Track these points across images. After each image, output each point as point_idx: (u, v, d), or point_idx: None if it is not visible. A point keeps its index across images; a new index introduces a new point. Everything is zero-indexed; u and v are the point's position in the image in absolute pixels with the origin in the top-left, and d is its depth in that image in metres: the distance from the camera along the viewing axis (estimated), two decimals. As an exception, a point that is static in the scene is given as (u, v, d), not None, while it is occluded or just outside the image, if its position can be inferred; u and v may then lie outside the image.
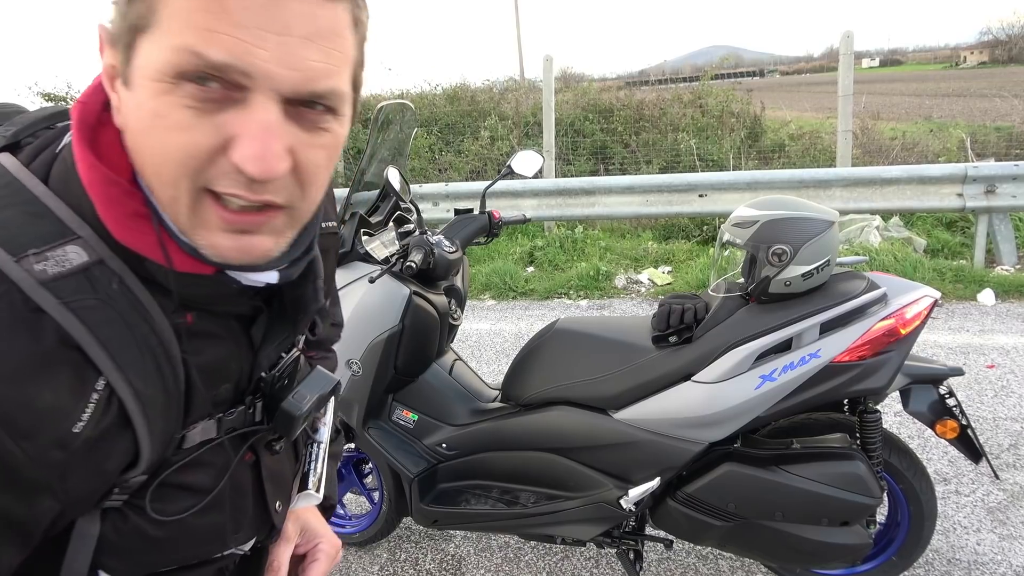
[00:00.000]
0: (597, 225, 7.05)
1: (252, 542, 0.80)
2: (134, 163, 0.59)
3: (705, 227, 6.63)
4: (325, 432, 0.92)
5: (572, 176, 7.79)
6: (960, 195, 5.38)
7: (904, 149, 7.90)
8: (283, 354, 0.78)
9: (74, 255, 0.57)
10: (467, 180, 7.93)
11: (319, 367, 0.81)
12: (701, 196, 5.92)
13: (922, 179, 5.47)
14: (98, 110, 0.61)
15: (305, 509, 0.91)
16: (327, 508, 0.98)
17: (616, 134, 8.58)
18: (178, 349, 0.63)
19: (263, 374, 0.75)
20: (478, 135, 8.73)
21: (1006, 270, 5.29)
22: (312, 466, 0.89)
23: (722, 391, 1.88)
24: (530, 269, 6.34)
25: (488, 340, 4.77)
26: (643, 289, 5.70)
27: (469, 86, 10.25)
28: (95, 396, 0.57)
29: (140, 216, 0.60)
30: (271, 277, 0.67)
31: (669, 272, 5.95)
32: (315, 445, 0.90)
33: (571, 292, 5.71)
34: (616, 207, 6.18)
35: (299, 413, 0.74)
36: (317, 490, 0.88)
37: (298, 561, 0.90)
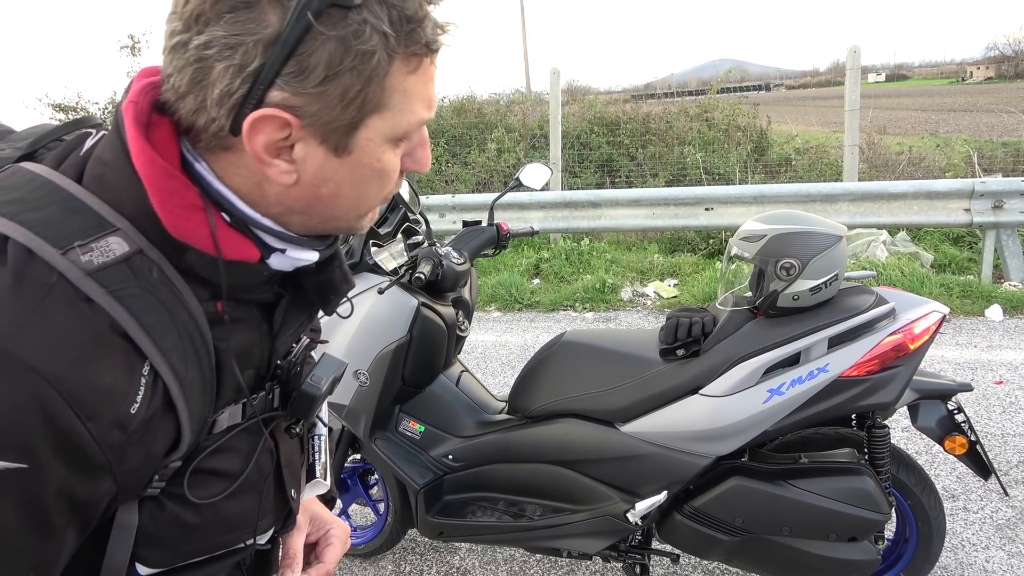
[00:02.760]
0: (603, 238, 7.06)
1: (271, 531, 0.83)
2: (308, 208, 0.68)
3: (711, 240, 6.63)
4: (323, 426, 0.95)
5: (579, 189, 7.81)
6: (967, 210, 5.38)
7: (911, 164, 7.90)
8: (295, 343, 0.81)
9: (116, 245, 0.60)
10: (473, 192, 7.96)
11: (327, 352, 0.85)
12: (707, 210, 5.93)
13: (929, 194, 5.47)
14: (148, 112, 0.64)
15: (311, 500, 0.94)
16: (328, 501, 1.01)
17: (622, 147, 8.60)
18: (211, 335, 0.66)
19: (279, 361, 0.78)
20: (485, 147, 8.76)
21: (1014, 286, 5.27)
22: (317, 456, 0.93)
23: (730, 405, 1.88)
24: (536, 281, 6.35)
25: (494, 352, 4.77)
26: (649, 302, 5.70)
27: (476, 98, 10.30)
28: (143, 380, 0.60)
29: (196, 208, 0.63)
30: (313, 256, 0.73)
31: (675, 285, 5.95)
32: (317, 438, 0.94)
33: (577, 304, 5.71)
34: (622, 220, 6.20)
35: (318, 394, 0.77)
36: (325, 478, 0.91)
37: (310, 550, 0.93)
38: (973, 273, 5.57)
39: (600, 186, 8.16)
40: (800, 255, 1.85)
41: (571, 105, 9.71)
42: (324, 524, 0.94)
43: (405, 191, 2.18)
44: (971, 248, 6.05)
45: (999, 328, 4.59)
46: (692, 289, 5.62)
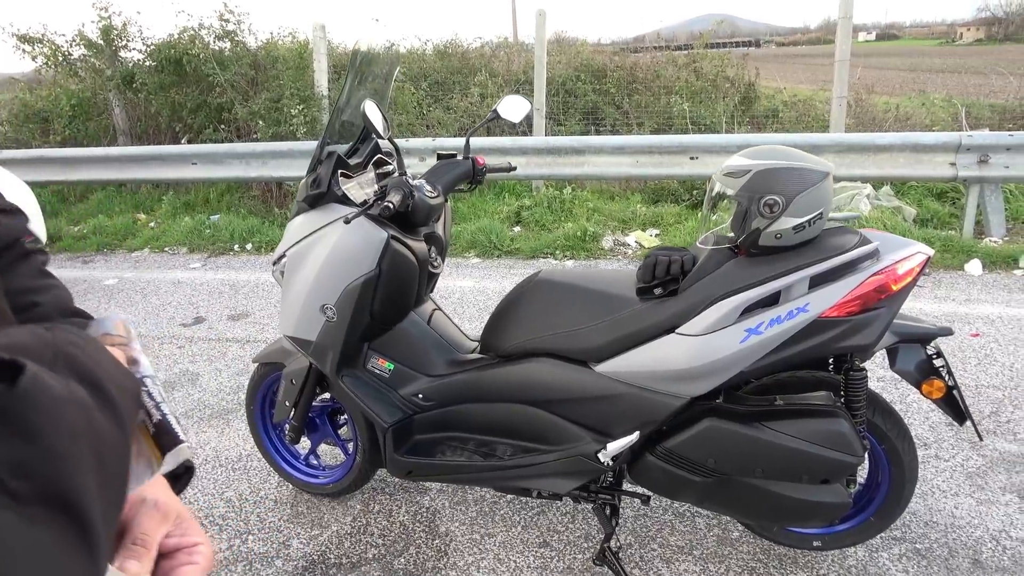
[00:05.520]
0: (586, 186, 6.95)
1: None
2: None
3: (695, 191, 6.55)
4: (148, 367, 0.68)
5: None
6: (953, 164, 5.32)
7: (897, 121, 7.81)
8: None
9: None
10: (455, 136, 7.78)
11: None
12: (692, 159, 5.84)
13: (916, 147, 5.40)
14: None
15: (173, 497, 0.69)
16: (183, 473, 0.71)
17: (608, 95, 8.42)
18: None
19: None
20: (467, 92, 8.54)
21: (994, 241, 5.27)
22: (159, 408, 0.66)
23: (706, 344, 1.82)
24: (517, 228, 6.26)
25: (471, 297, 4.70)
26: (630, 251, 5.64)
27: (460, 43, 10.01)
28: None
29: None
30: None
31: (657, 235, 5.88)
32: (145, 379, 0.67)
33: (557, 252, 5.63)
34: (606, 167, 6.09)
35: None
36: (177, 427, 0.64)
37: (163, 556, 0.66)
38: (955, 228, 5.55)
39: (585, 135, 8.00)
40: (785, 191, 1.78)
41: (558, 55, 9.46)
42: (190, 533, 0.68)
43: (375, 115, 2.06)
44: (954, 204, 6.02)
45: (978, 282, 4.59)
46: (674, 239, 5.57)
